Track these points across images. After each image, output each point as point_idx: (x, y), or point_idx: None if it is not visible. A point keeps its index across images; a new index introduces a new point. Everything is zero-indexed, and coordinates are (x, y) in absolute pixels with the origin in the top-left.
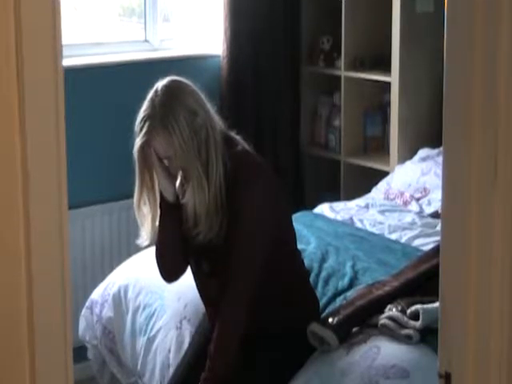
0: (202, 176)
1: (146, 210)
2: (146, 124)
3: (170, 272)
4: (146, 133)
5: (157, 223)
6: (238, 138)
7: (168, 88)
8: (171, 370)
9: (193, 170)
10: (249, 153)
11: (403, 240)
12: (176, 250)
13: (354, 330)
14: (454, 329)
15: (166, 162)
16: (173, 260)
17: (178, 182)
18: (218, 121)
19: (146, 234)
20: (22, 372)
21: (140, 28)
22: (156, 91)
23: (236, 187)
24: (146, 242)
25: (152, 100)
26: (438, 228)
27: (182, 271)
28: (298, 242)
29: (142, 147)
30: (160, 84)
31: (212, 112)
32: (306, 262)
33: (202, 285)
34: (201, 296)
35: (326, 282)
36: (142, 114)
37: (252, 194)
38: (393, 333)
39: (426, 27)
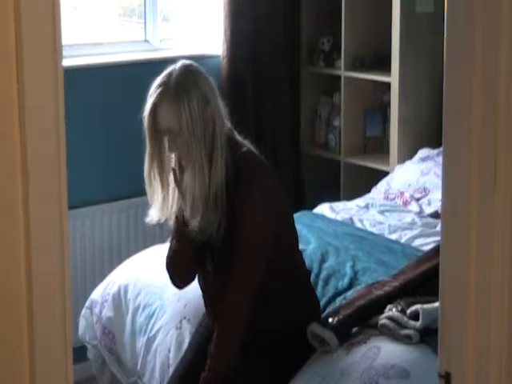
0: (204, 162)
1: (156, 184)
2: (159, 90)
3: (182, 280)
4: (156, 97)
5: (168, 200)
6: (242, 140)
7: (189, 68)
8: (171, 370)
9: (196, 154)
10: (251, 153)
11: (403, 240)
12: (189, 259)
13: (354, 330)
14: (454, 329)
15: (165, 137)
16: (185, 269)
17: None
18: (227, 122)
19: (155, 212)
20: (22, 372)
21: (140, 28)
22: (175, 67)
23: (237, 187)
24: (155, 219)
25: (170, 72)
26: (438, 228)
27: (193, 278)
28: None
29: (152, 112)
30: (182, 62)
31: (223, 111)
32: (306, 262)
33: (204, 283)
34: (203, 295)
35: (326, 282)
36: (157, 81)
37: (253, 194)
38: (393, 333)
39: (425, 27)
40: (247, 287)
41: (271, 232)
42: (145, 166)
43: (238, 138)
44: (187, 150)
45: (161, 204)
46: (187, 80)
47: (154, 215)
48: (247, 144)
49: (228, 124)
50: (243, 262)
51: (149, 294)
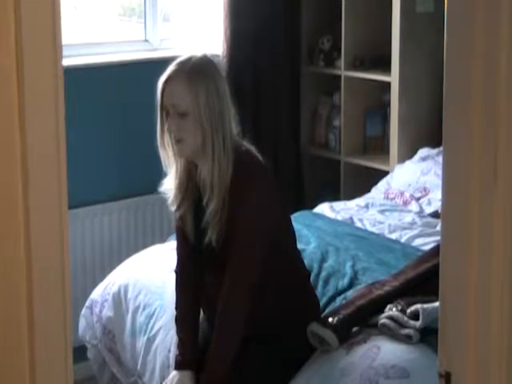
0: (221, 146)
1: (170, 152)
2: (176, 66)
3: None
4: (171, 71)
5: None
6: (241, 140)
7: (210, 59)
8: (171, 370)
9: (212, 135)
10: (248, 153)
11: (403, 240)
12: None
13: (354, 329)
14: (454, 329)
15: (170, 115)
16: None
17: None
18: (235, 126)
19: (170, 180)
20: (22, 372)
21: (140, 28)
22: (197, 54)
23: (235, 187)
24: (170, 186)
25: (190, 56)
26: (438, 228)
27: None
28: (297, 242)
29: (163, 84)
30: (204, 52)
31: (232, 114)
32: (306, 262)
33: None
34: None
35: (326, 281)
36: (175, 61)
37: (251, 194)
38: (393, 333)
39: (425, 27)
40: (246, 287)
41: (269, 232)
42: (157, 135)
43: (238, 139)
44: (193, 135)
45: (174, 173)
46: (207, 68)
47: (167, 183)
48: (246, 144)
49: (236, 129)
50: (242, 262)
51: (149, 293)
